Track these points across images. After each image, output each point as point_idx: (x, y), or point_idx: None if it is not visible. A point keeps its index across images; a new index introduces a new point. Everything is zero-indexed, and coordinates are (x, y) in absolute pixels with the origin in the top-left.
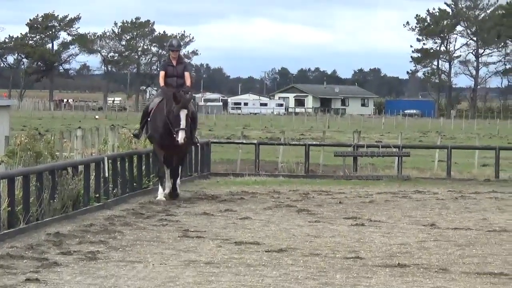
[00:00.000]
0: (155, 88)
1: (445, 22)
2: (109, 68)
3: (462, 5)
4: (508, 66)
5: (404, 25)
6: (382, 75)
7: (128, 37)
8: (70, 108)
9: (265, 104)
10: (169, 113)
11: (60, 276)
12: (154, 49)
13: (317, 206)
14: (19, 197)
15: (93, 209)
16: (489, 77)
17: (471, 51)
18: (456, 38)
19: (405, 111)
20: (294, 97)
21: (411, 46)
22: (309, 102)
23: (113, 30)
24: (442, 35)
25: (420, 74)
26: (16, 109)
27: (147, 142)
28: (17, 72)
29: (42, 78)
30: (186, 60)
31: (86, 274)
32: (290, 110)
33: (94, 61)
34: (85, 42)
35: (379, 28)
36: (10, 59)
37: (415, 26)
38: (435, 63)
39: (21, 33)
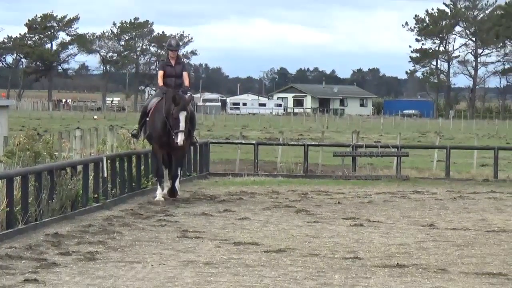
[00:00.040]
0: (154, 88)
1: (443, 22)
2: (108, 68)
3: (461, 6)
4: (506, 66)
5: (403, 25)
6: (380, 75)
7: (127, 37)
8: (68, 108)
9: (264, 104)
10: (168, 114)
11: (58, 277)
12: (153, 49)
13: (316, 206)
14: (17, 198)
15: (91, 209)
16: (488, 77)
17: (470, 51)
18: (454, 38)
19: (404, 111)
20: (293, 97)
21: (410, 46)
22: (308, 102)
23: (111, 30)
24: (441, 35)
25: (418, 74)
26: (14, 109)
27: (146, 142)
28: (15, 72)
29: (41, 78)
30: (184, 60)
31: (85, 275)
32: (289, 110)
33: (92, 61)
34: (84, 42)
35: (378, 28)
36: (9, 59)
37: (414, 27)
38: (434, 63)
39: (20, 33)
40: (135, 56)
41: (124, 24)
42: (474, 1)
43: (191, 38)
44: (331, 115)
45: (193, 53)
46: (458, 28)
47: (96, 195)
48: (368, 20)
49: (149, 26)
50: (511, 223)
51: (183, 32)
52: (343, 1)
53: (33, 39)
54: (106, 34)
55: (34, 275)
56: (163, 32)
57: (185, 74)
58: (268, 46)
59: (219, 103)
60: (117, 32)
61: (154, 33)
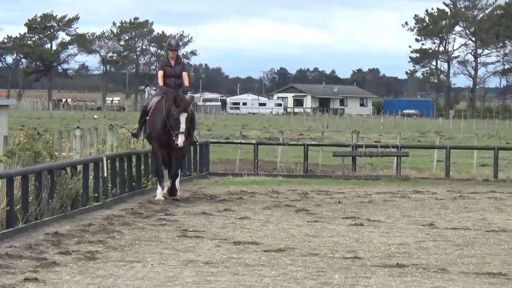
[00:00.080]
0: (154, 88)
1: (443, 22)
2: (108, 68)
3: (461, 5)
4: (506, 66)
5: (402, 25)
6: (380, 75)
7: (126, 37)
8: (68, 108)
9: (264, 104)
10: (168, 114)
11: (58, 276)
12: (152, 49)
13: (316, 206)
14: (17, 197)
15: (92, 208)
16: (488, 77)
17: (470, 51)
18: (454, 38)
19: (404, 111)
20: (292, 97)
21: (409, 46)
22: (308, 102)
23: (111, 30)
24: (440, 35)
25: (418, 74)
26: (14, 108)
27: (146, 142)
28: (15, 72)
29: (41, 78)
30: (184, 60)
31: (85, 274)
32: (289, 110)
33: (92, 61)
34: (84, 42)
35: (378, 28)
36: (9, 59)
37: (414, 26)
38: (434, 63)
39: (19, 33)
40: (135, 56)
41: (124, 24)
42: (474, 1)
43: (191, 38)
44: (331, 115)
45: (193, 53)
46: (458, 28)
47: (96, 195)
48: (368, 20)
49: (149, 26)
50: (511, 223)
51: (183, 32)
52: (343, 1)
53: (33, 39)
54: (106, 34)
55: (34, 274)
56: (163, 32)
57: (184, 74)
58: (268, 46)
59: (219, 103)
60: (117, 32)
61: (154, 33)
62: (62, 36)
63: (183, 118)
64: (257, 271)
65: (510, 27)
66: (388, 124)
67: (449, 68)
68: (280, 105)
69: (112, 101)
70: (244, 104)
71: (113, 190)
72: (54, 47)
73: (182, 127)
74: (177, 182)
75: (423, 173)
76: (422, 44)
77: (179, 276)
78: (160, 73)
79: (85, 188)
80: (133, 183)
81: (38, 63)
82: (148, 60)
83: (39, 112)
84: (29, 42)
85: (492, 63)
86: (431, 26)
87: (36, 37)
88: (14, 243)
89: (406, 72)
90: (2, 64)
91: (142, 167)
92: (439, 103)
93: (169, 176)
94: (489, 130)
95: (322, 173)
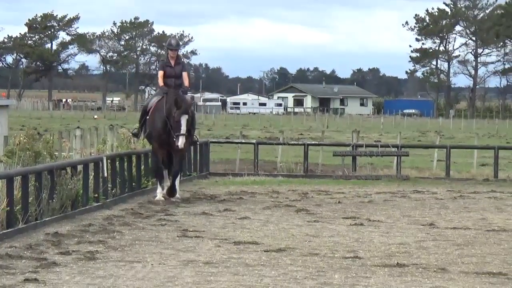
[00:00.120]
0: (154, 88)
1: (444, 22)
2: (108, 68)
3: (461, 5)
4: (507, 66)
5: (403, 25)
6: (381, 75)
7: (127, 37)
8: (69, 108)
9: (264, 104)
10: (169, 114)
11: (59, 276)
12: (153, 49)
13: (316, 206)
14: (18, 197)
15: (92, 209)
16: (488, 76)
17: (470, 51)
18: (455, 38)
19: (404, 111)
20: (293, 97)
21: (410, 46)
22: (308, 102)
23: (112, 30)
24: (441, 35)
25: (419, 74)
26: (15, 108)
27: (146, 142)
28: (16, 72)
29: (41, 78)
30: (184, 60)
31: (85, 274)
32: (289, 110)
33: (93, 61)
34: (84, 42)
35: (378, 28)
36: (9, 59)
37: (414, 26)
38: (434, 63)
39: (20, 33)
40: (135, 56)
41: (124, 24)
42: (474, 1)
43: (191, 38)
44: (331, 115)
45: (193, 53)
46: (458, 28)
47: (96, 195)
48: (368, 20)
49: (149, 26)
50: (511, 223)
51: (183, 32)
52: (343, 1)
53: (33, 39)
54: (106, 34)
55: (34, 275)
56: (163, 31)
57: (184, 74)
58: (268, 46)
59: (219, 103)
60: (117, 32)
61: (154, 33)
62: (63, 36)
63: (184, 120)
64: (257, 271)
65: (511, 26)
66: (388, 123)
67: (449, 67)
68: (280, 105)
69: (112, 101)
70: (244, 104)
71: (113, 191)
72: (54, 47)
73: (183, 129)
74: (176, 182)
75: (423, 172)
76: (422, 43)
77: (179, 276)
78: (160, 73)
79: (85, 188)
80: (133, 183)
81: (38, 63)
82: (148, 60)
83: (39, 112)
84: (29, 42)
85: (492, 62)
86: (431, 26)
87: (36, 37)
88: (14, 244)
89: (406, 72)
90: (2, 64)
91: (142, 167)
92: (439, 103)
93: (168, 176)
94: (489, 130)
95: (322, 173)
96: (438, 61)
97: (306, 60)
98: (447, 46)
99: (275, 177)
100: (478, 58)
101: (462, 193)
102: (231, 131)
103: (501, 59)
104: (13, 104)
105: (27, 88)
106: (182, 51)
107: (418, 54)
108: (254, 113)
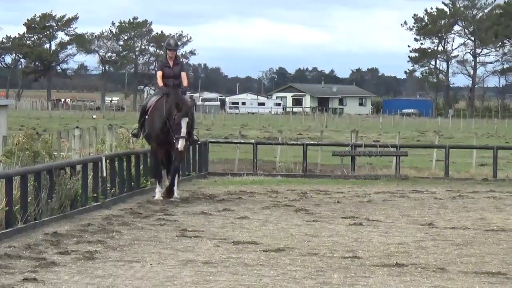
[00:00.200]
0: (153, 88)
1: (442, 21)
2: (107, 68)
3: (460, 5)
4: (505, 66)
5: (402, 24)
6: (379, 74)
7: (125, 37)
8: (68, 107)
9: (263, 104)
10: (169, 115)
11: (58, 276)
12: (151, 49)
13: (315, 205)
14: (17, 197)
15: (91, 208)
16: (487, 76)
17: (469, 50)
18: (453, 37)
19: (403, 111)
20: (292, 96)
21: (408, 46)
22: (307, 101)
23: (110, 30)
24: (439, 34)
25: (417, 73)
26: (13, 108)
27: (145, 142)
28: (14, 72)
29: (40, 78)
30: (183, 60)
31: (84, 274)
32: (288, 109)
33: (91, 61)
34: (83, 42)
35: (377, 28)
36: (8, 59)
37: (413, 26)
38: (433, 62)
39: (18, 33)
40: (134, 56)
41: (123, 24)
42: (473, 1)
43: (190, 38)
44: (330, 115)
45: (192, 53)
46: (457, 28)
47: (95, 195)
48: (367, 20)
49: (148, 26)
50: (510, 222)
51: (182, 31)
52: (342, 1)
53: (32, 39)
54: (105, 34)
55: (33, 274)
56: (162, 32)
57: (183, 74)
58: (267, 46)
59: (218, 103)
60: (116, 32)
61: (153, 33)
62: (61, 36)
63: (184, 122)
64: (256, 271)
65: (509, 26)
66: (387, 123)
67: (448, 67)
68: (279, 104)
69: (111, 101)
70: (243, 103)
71: (112, 190)
72: (53, 47)
73: (183, 131)
74: (175, 182)
75: (422, 172)
76: (421, 43)
77: (178, 276)
78: (159, 73)
79: (84, 188)
80: (132, 183)
81: (37, 63)
82: (147, 60)
83: (38, 112)
84: (28, 42)
85: (491, 62)
86: (430, 26)
87: (35, 37)
88: (13, 243)
89: (405, 72)
90: (1, 64)
91: (141, 167)
92: (438, 103)
93: (167, 176)
94: (488, 130)
95: (321, 172)
96: (437, 61)
97: (305, 60)
98: (445, 46)
99: (274, 177)
100: (477, 58)
101: (461, 193)
102: (230, 131)
103: (500, 59)
104: (12, 104)
105: (26, 88)
106: (181, 51)
107: (417, 54)
108: (253, 113)
